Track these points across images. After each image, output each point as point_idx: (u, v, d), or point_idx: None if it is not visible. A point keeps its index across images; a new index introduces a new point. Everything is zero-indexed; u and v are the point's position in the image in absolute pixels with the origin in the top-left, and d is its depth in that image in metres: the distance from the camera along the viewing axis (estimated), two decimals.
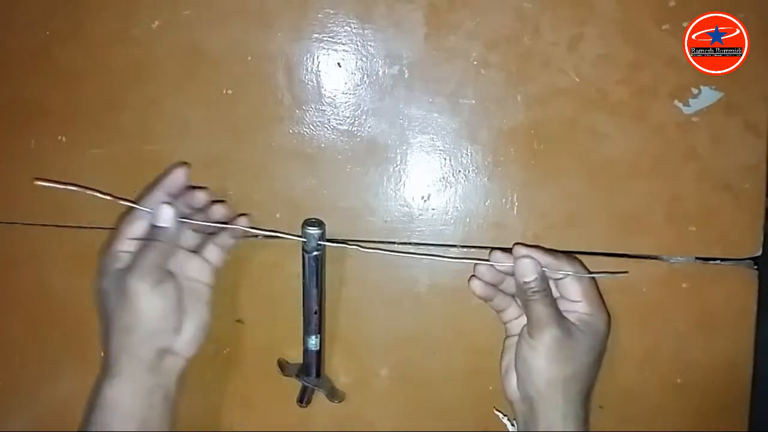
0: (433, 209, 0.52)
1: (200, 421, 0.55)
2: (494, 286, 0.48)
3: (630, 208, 0.50)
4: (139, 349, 0.45)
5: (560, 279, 0.46)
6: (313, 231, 0.48)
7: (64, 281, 0.55)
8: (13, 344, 0.57)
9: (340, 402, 0.53)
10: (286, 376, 0.52)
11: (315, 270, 0.49)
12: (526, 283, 0.44)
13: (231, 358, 0.55)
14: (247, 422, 0.55)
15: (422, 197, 0.52)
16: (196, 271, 0.48)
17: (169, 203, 0.46)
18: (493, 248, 0.48)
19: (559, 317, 0.44)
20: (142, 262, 0.44)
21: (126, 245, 0.46)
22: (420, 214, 0.52)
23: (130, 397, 0.44)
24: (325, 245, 0.49)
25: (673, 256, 0.50)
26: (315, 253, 0.49)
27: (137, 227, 0.46)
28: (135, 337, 0.44)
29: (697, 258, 0.50)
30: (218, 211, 0.49)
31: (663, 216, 0.50)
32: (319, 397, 0.53)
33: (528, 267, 0.44)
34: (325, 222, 0.49)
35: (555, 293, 0.46)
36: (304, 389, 0.52)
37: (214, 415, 0.55)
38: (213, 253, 0.49)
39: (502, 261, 0.47)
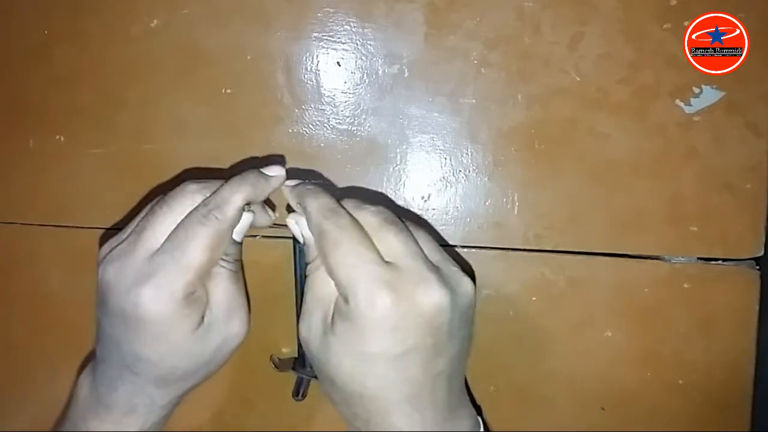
0: (433, 209, 0.52)
1: (200, 421, 0.55)
2: None
3: (631, 208, 0.50)
4: None
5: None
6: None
7: (63, 281, 0.55)
8: (11, 345, 0.57)
9: None
10: (280, 371, 0.52)
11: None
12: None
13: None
14: (247, 422, 0.55)
15: (422, 197, 0.52)
16: None
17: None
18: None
19: (311, 307, 0.33)
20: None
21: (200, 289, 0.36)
22: (420, 214, 0.52)
23: None
24: None
25: (675, 257, 0.50)
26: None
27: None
28: None
29: (699, 258, 0.50)
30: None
31: (664, 216, 0.50)
32: (320, 397, 0.53)
33: (294, 229, 0.35)
34: None
35: None
36: (299, 382, 0.52)
37: (214, 415, 0.55)
38: None
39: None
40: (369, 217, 0.34)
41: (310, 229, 0.34)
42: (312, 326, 0.33)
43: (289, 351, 0.53)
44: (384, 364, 0.31)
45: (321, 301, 0.33)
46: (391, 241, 0.33)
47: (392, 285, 0.30)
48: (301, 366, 0.51)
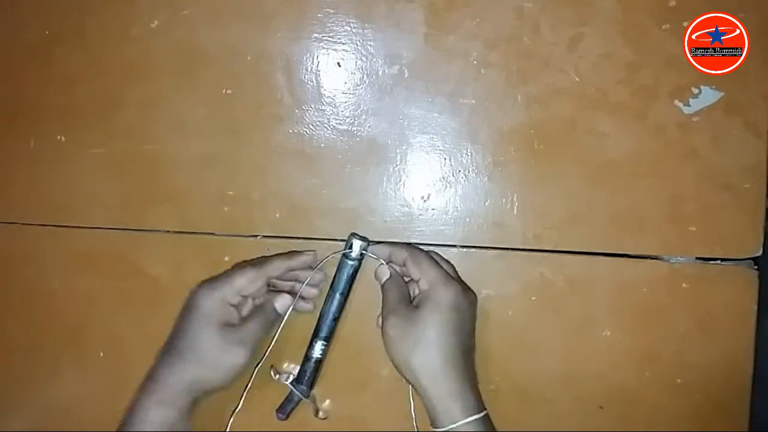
0: (433, 209, 0.52)
1: (200, 421, 0.55)
2: None
3: (630, 208, 0.50)
4: None
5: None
6: (359, 241, 0.50)
7: (63, 281, 0.55)
8: (12, 344, 0.57)
9: (324, 419, 0.53)
10: (277, 381, 0.52)
11: (348, 278, 0.50)
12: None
13: None
14: (247, 422, 0.55)
15: (422, 197, 0.52)
16: None
17: (289, 292, 0.51)
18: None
19: (397, 306, 0.48)
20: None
21: (234, 299, 0.50)
22: (420, 214, 0.52)
23: None
24: (365, 255, 0.50)
25: (674, 257, 0.50)
26: (353, 262, 0.50)
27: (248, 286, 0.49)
28: None
29: (698, 258, 0.50)
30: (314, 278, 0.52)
31: (663, 216, 0.50)
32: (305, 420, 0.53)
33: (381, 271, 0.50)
34: (328, 223, 0.51)
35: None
36: (289, 399, 0.51)
37: (214, 414, 0.55)
38: None
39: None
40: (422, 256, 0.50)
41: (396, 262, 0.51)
42: (397, 316, 0.47)
43: (291, 355, 0.53)
44: (453, 324, 0.47)
45: (402, 300, 0.48)
46: (441, 263, 0.51)
47: (453, 283, 0.48)
48: (298, 382, 0.51)
